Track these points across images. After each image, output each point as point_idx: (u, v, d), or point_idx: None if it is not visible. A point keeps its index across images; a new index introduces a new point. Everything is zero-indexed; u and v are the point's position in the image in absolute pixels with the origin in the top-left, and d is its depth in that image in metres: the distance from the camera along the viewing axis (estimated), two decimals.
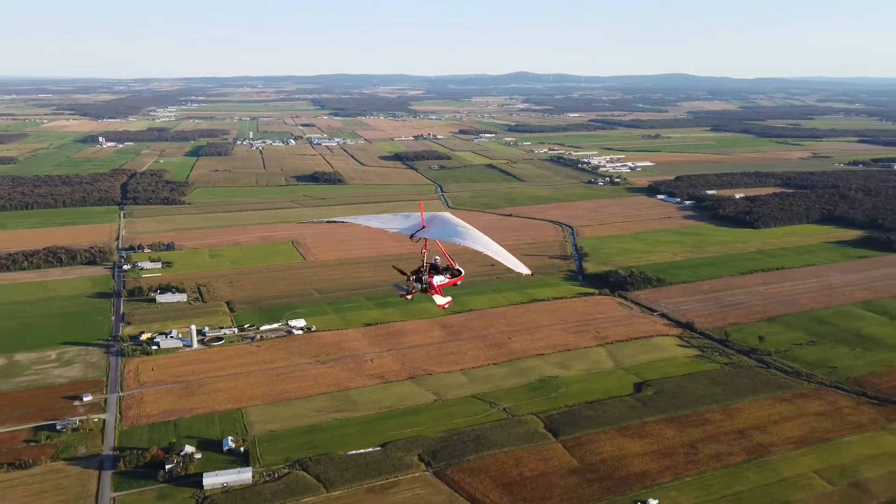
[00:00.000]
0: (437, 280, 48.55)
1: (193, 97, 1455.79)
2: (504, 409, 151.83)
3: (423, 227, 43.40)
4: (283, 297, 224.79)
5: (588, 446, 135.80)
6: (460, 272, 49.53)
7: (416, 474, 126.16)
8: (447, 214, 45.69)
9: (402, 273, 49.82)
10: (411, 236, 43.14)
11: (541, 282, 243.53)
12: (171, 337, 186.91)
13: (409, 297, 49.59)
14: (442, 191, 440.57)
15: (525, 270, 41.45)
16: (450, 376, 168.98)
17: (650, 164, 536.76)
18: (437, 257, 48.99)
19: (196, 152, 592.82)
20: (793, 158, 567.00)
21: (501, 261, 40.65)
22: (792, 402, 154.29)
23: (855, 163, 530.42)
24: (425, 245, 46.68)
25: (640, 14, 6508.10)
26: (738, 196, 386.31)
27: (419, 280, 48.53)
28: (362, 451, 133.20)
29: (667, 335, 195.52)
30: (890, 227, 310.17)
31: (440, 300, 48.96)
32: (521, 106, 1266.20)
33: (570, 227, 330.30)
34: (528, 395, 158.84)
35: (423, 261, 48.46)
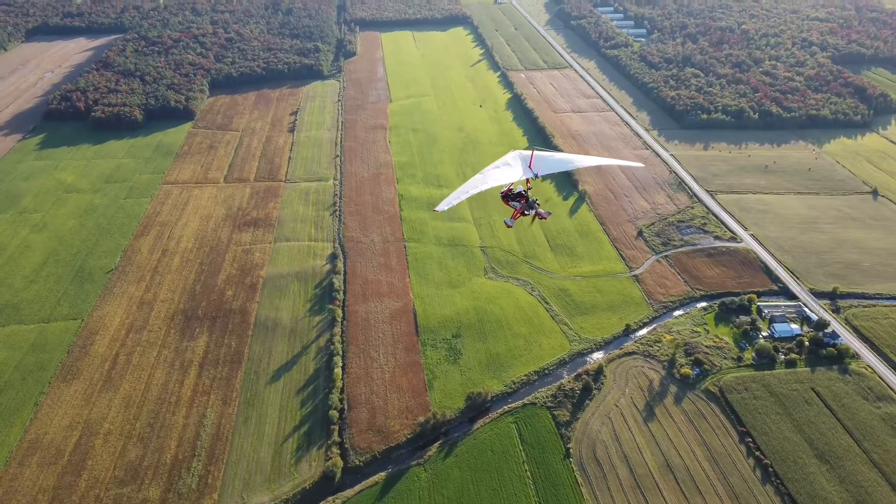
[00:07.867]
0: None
1: None
2: None
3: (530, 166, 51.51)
4: None
5: None
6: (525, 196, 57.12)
7: None
8: (538, 152, 51.57)
9: (515, 203, 56.29)
10: (536, 176, 51.00)
11: None
12: None
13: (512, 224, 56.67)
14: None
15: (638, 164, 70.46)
16: None
17: None
18: (521, 188, 56.10)
19: None
20: None
21: (613, 163, 72.93)
22: None
23: None
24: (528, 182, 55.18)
25: None
26: None
27: (531, 206, 55.59)
28: None
29: None
30: None
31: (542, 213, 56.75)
32: None
33: None
34: None
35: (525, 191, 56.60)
